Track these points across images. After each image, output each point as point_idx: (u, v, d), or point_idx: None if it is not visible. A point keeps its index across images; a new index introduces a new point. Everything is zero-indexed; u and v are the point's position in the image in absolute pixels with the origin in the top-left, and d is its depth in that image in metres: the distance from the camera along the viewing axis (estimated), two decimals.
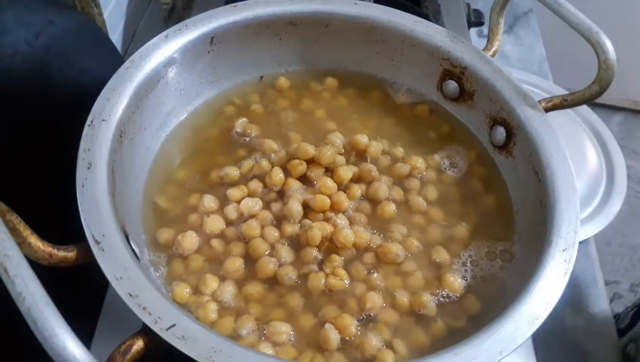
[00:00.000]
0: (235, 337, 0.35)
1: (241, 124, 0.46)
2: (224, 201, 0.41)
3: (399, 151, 0.45)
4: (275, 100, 0.48)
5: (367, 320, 0.36)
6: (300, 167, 0.42)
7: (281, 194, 0.42)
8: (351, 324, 0.35)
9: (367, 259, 0.39)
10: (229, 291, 0.36)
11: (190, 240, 0.38)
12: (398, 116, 0.48)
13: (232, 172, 0.42)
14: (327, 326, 0.35)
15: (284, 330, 0.35)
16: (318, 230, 0.38)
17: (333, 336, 0.34)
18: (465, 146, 0.47)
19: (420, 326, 0.37)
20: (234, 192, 0.41)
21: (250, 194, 0.41)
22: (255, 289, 0.37)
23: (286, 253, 0.38)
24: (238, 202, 0.40)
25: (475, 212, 0.43)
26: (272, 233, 0.39)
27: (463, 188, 0.44)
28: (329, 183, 0.41)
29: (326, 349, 0.35)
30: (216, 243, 0.39)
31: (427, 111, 0.49)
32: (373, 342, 0.35)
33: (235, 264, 0.38)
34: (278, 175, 0.41)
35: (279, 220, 0.40)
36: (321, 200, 0.40)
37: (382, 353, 0.35)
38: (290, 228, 0.39)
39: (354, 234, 0.39)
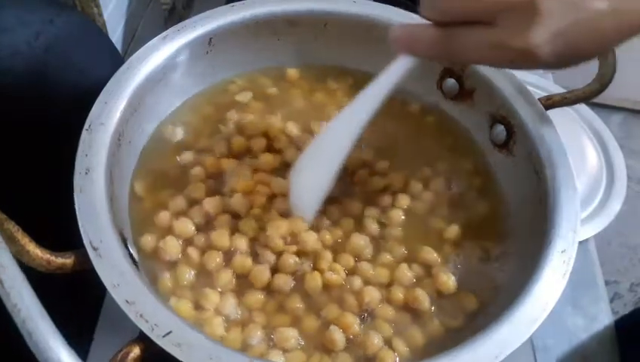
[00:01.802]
0: (245, 348, 0.34)
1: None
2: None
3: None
4: (274, 100, 0.48)
5: (368, 316, 0.36)
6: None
7: None
8: (353, 322, 0.35)
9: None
10: (230, 303, 0.36)
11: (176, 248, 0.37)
12: (398, 117, 0.48)
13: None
14: (332, 328, 0.35)
15: (291, 335, 0.35)
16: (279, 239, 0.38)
17: (338, 337, 0.34)
18: (465, 145, 0.47)
19: (416, 324, 0.37)
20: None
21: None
22: (255, 298, 0.36)
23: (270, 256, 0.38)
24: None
25: (475, 212, 0.43)
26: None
27: (463, 189, 0.44)
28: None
29: (332, 350, 0.35)
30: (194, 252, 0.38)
31: (427, 111, 0.48)
32: (375, 340, 0.35)
33: (228, 276, 0.37)
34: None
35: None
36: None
37: (383, 351, 0.35)
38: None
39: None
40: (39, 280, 0.24)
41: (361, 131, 0.36)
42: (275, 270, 0.37)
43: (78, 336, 0.23)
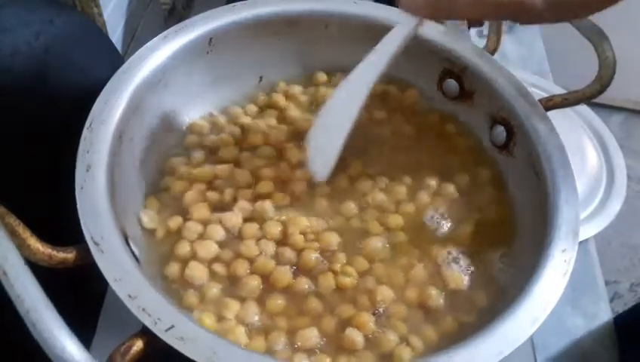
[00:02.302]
0: (270, 353, 0.34)
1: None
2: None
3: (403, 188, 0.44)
4: (272, 101, 0.48)
5: (382, 314, 0.36)
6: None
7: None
8: (369, 321, 0.35)
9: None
10: (252, 311, 0.36)
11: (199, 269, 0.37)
12: (397, 120, 0.48)
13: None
14: (348, 330, 0.35)
15: (312, 335, 0.35)
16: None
17: (357, 338, 0.35)
18: (465, 146, 0.47)
19: (429, 322, 0.37)
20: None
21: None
22: (276, 303, 0.36)
23: (290, 255, 0.38)
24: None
25: (475, 212, 0.43)
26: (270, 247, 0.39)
27: (462, 189, 0.44)
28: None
29: (354, 350, 0.35)
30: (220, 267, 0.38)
31: (427, 113, 0.49)
32: (391, 337, 0.35)
33: (254, 283, 0.37)
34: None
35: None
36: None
37: (399, 348, 0.35)
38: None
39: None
40: (40, 275, 0.24)
41: (368, 93, 0.38)
42: (295, 270, 0.38)
43: (80, 331, 0.23)
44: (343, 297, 0.37)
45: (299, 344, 0.35)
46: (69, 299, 0.28)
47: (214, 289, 0.36)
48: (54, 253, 0.30)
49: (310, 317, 0.36)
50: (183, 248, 0.38)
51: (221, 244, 0.39)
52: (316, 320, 0.36)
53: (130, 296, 0.30)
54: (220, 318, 0.35)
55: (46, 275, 0.27)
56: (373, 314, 0.36)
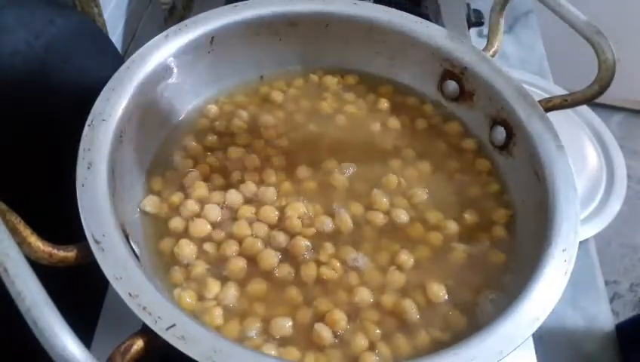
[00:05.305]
0: (241, 339, 0.34)
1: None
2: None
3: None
4: (274, 100, 0.48)
5: (355, 316, 0.36)
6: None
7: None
8: (341, 319, 0.35)
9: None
10: (232, 293, 0.36)
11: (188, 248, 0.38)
12: (396, 121, 0.48)
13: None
14: (318, 325, 0.35)
15: (285, 324, 0.35)
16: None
17: (325, 334, 0.35)
18: (465, 147, 0.47)
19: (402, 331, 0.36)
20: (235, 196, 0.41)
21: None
22: (258, 287, 0.37)
23: (282, 239, 0.39)
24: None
25: (475, 212, 0.43)
26: (262, 228, 0.39)
27: (462, 189, 0.44)
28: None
29: (323, 346, 0.35)
30: (210, 247, 0.38)
31: (427, 113, 0.49)
32: (362, 341, 0.35)
33: (240, 264, 0.37)
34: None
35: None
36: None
37: (366, 354, 0.34)
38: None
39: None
40: (40, 274, 0.24)
41: None
42: (282, 257, 0.38)
43: (80, 330, 0.23)
44: (324, 290, 0.37)
45: (271, 332, 0.35)
46: (69, 299, 0.28)
47: (199, 268, 0.37)
48: (55, 251, 0.30)
49: (288, 306, 0.36)
50: (177, 225, 0.39)
51: (215, 224, 0.39)
52: (293, 310, 0.36)
53: (130, 295, 0.30)
54: (201, 298, 0.36)
55: (46, 274, 0.27)
56: (347, 313, 0.36)
